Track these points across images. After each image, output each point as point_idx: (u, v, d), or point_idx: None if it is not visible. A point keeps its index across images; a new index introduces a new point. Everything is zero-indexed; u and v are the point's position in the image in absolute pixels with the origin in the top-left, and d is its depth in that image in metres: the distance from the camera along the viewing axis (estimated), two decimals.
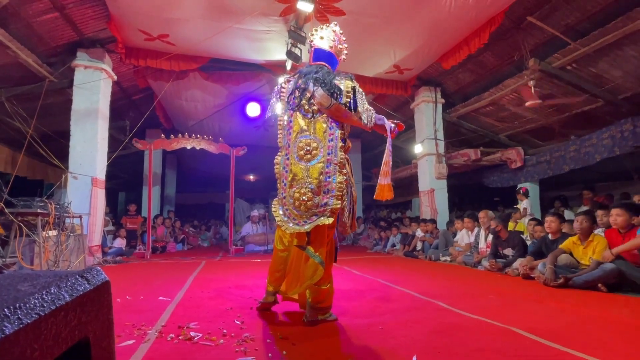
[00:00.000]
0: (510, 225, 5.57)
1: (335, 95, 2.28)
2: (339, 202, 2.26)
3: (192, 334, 1.99)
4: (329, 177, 2.26)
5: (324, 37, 2.52)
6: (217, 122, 9.47)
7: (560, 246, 3.73)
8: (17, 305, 0.57)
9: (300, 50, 5.50)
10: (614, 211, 3.37)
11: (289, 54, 5.49)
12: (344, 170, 2.34)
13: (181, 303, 2.84)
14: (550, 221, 4.03)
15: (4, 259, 4.02)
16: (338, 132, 2.33)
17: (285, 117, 2.45)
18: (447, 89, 7.81)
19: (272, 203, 2.50)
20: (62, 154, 5.82)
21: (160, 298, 3.01)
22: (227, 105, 8.55)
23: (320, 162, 2.29)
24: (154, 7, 4.95)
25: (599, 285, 3.18)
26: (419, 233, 7.01)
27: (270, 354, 1.71)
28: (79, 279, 0.72)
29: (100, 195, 5.80)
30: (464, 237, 5.88)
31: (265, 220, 9.10)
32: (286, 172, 2.37)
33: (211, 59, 6.43)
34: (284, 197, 2.37)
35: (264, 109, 8.20)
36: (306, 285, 2.25)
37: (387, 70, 6.88)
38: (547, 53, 5.46)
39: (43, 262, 4.15)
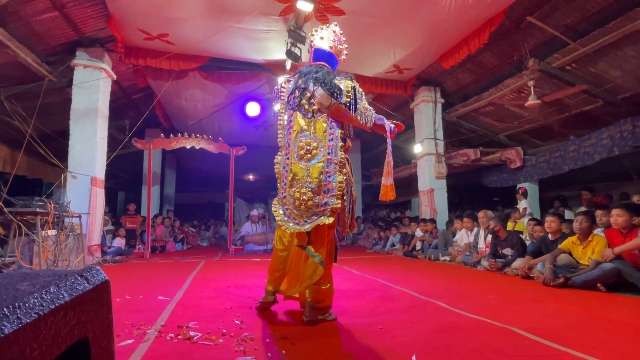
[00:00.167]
0: (510, 225, 5.58)
1: (335, 95, 2.29)
2: (339, 201, 2.26)
3: (191, 333, 1.99)
4: (329, 176, 2.26)
5: (324, 37, 2.52)
6: (216, 121, 9.47)
7: (560, 246, 3.73)
8: (17, 304, 0.57)
9: (300, 49, 5.50)
10: (615, 212, 3.37)
11: (289, 53, 5.49)
12: (344, 170, 2.34)
13: (180, 302, 2.84)
14: (550, 221, 4.04)
15: (3, 259, 4.01)
16: (338, 132, 2.33)
17: (285, 117, 2.45)
18: (447, 89, 7.81)
19: (272, 203, 2.50)
20: (62, 153, 5.82)
21: (160, 297, 3.01)
22: (227, 105, 8.55)
23: (320, 162, 2.29)
24: (154, 6, 4.94)
25: (598, 285, 3.18)
26: (419, 233, 7.01)
27: (269, 354, 1.71)
28: (79, 278, 0.72)
29: (100, 194, 5.79)
30: (463, 237, 5.89)
31: (264, 219, 9.10)
32: (286, 171, 2.37)
33: (211, 59, 6.42)
34: (284, 197, 2.37)
35: (263, 109, 8.21)
36: (306, 285, 2.25)
37: (387, 70, 6.88)
38: (547, 53, 5.47)
39: (42, 262, 4.14)
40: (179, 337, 1.95)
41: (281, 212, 2.38)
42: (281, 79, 3.26)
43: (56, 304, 0.62)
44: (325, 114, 2.35)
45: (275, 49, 6.04)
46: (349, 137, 2.51)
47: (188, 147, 7.38)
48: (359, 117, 2.36)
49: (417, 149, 7.82)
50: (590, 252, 3.48)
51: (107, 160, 6.04)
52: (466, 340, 1.89)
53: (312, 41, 2.57)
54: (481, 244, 5.20)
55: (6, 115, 5.87)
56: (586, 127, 6.53)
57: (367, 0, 4.82)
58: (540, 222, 4.80)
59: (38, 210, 4.20)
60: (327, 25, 2.60)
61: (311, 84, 2.34)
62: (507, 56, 6.08)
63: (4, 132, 6.55)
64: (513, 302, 2.89)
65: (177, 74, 6.77)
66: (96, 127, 5.75)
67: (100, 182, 5.80)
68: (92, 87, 5.73)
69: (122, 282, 3.87)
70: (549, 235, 4.07)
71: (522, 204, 6.55)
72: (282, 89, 2.52)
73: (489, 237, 4.96)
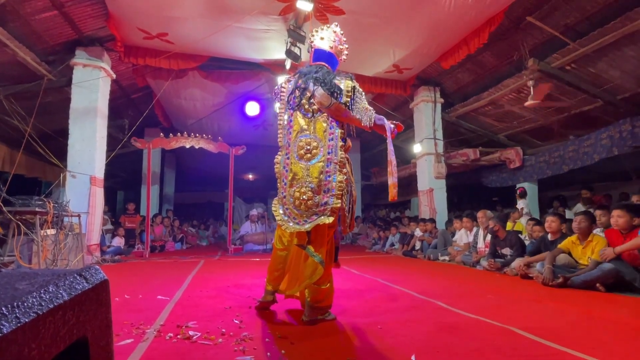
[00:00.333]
0: (509, 225, 5.58)
1: (335, 94, 2.29)
2: (339, 201, 2.26)
3: (190, 333, 1.99)
4: (329, 176, 2.27)
5: (324, 37, 2.53)
6: (216, 121, 9.46)
7: (559, 246, 3.73)
8: (15, 304, 0.57)
9: (300, 49, 5.50)
10: (615, 212, 3.37)
11: (289, 53, 5.49)
12: (344, 170, 2.34)
13: (180, 302, 2.84)
14: (551, 221, 4.03)
15: (2, 258, 4.01)
16: (338, 132, 2.33)
17: (286, 117, 2.45)
18: (447, 89, 7.81)
19: (272, 202, 2.50)
20: (61, 152, 5.81)
21: (159, 297, 3.00)
22: (226, 104, 8.54)
23: (320, 162, 2.29)
24: (153, 5, 4.94)
25: (597, 285, 3.19)
26: (418, 232, 7.02)
27: (269, 353, 1.71)
28: (78, 277, 0.71)
29: (99, 194, 5.79)
30: (462, 236, 5.89)
31: (264, 219, 9.10)
32: (286, 171, 2.37)
33: (210, 58, 6.41)
34: (284, 197, 2.37)
35: (263, 108, 8.20)
36: (305, 285, 2.25)
37: (387, 69, 6.88)
38: (547, 53, 5.47)
39: (41, 261, 4.14)
40: (178, 336, 1.95)
41: (281, 211, 2.38)
42: (281, 79, 3.26)
43: (55, 304, 0.62)
44: (325, 114, 2.35)
45: (274, 49, 6.03)
46: (349, 136, 2.51)
47: (187, 146, 7.37)
48: (359, 116, 2.36)
49: (417, 148, 7.82)
50: (590, 252, 3.48)
51: (107, 159, 6.03)
52: (465, 339, 1.89)
53: (312, 42, 2.58)
54: (480, 244, 5.21)
55: (5, 114, 5.85)
56: (585, 127, 6.54)
57: (367, 0, 4.82)
58: (539, 222, 4.80)
59: (37, 209, 4.20)
60: (328, 25, 2.60)
61: (311, 84, 2.34)
62: (506, 56, 6.08)
63: (3, 132, 6.54)
64: (512, 302, 2.89)
65: (177, 73, 6.76)
66: (95, 126, 5.74)
67: (99, 182, 5.79)
68: (91, 86, 5.72)
69: (121, 282, 3.86)
70: (549, 235, 4.07)
71: (519, 204, 6.56)
72: (282, 89, 2.53)
73: (488, 237, 4.96)
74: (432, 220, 7.03)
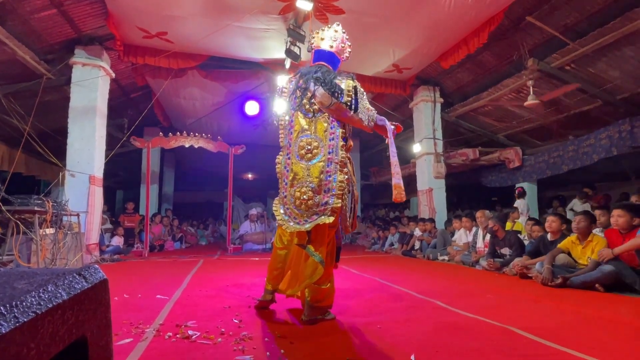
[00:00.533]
0: (508, 225, 5.58)
1: (336, 94, 2.28)
2: (340, 201, 2.26)
3: (190, 332, 1.99)
4: (330, 176, 2.26)
5: (325, 37, 2.53)
6: (215, 120, 9.45)
7: (559, 245, 3.73)
8: (14, 303, 0.56)
9: (299, 48, 5.49)
10: (615, 212, 3.36)
11: (288, 52, 5.48)
12: (345, 170, 2.33)
13: (179, 301, 2.83)
14: (551, 221, 4.03)
15: (0, 257, 4.00)
16: (339, 131, 2.33)
17: (287, 117, 2.46)
18: (446, 89, 7.82)
19: (273, 202, 2.51)
20: (60, 151, 5.80)
21: (158, 296, 3.00)
22: (226, 104, 8.53)
23: (320, 161, 2.29)
24: (153, 4, 4.93)
25: (596, 285, 3.19)
26: (417, 232, 7.02)
27: (268, 353, 1.70)
28: (77, 277, 0.71)
29: (98, 193, 5.78)
30: (462, 236, 5.89)
31: (263, 218, 9.10)
32: (287, 171, 2.38)
33: (210, 57, 6.41)
34: (285, 197, 2.38)
35: (262, 108, 8.19)
36: (305, 284, 2.25)
37: (386, 69, 6.88)
38: (546, 53, 5.47)
39: (40, 260, 4.13)
40: (178, 336, 1.95)
41: (282, 211, 2.39)
42: (281, 79, 3.27)
43: (54, 303, 0.62)
44: (326, 114, 2.35)
45: (274, 48, 6.03)
46: (350, 136, 2.51)
47: (187, 145, 7.37)
48: (360, 116, 2.36)
49: (416, 148, 7.82)
50: (590, 252, 3.48)
51: (106, 158, 6.02)
52: (465, 339, 1.89)
53: (312, 43, 2.58)
54: (479, 244, 5.21)
55: (4, 113, 5.84)
56: (585, 128, 6.55)
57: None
58: (538, 222, 4.80)
59: (36, 208, 4.19)
60: (329, 25, 2.59)
61: (312, 84, 2.34)
62: (506, 56, 6.09)
63: (2, 130, 6.52)
64: (511, 301, 2.89)
65: (176, 72, 6.75)
66: (95, 125, 5.73)
67: (98, 181, 5.78)
68: (90, 85, 5.70)
69: (121, 281, 3.86)
70: (548, 235, 4.07)
71: (516, 204, 6.56)
72: (284, 90, 2.54)
73: (487, 236, 4.96)
74: (432, 220, 7.03)
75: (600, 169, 7.13)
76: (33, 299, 0.59)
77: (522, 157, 7.81)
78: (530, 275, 3.83)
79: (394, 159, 2.51)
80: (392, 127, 2.52)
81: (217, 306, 2.67)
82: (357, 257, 6.68)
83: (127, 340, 1.88)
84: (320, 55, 2.52)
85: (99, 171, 5.81)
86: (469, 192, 11.11)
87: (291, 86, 2.50)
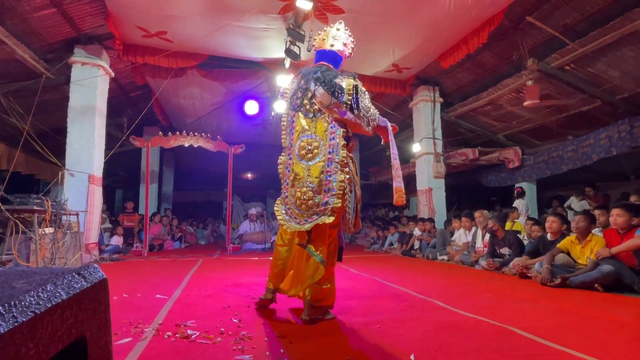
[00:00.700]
0: (508, 225, 5.58)
1: (336, 94, 2.28)
2: (340, 200, 2.25)
3: (189, 332, 1.98)
4: (330, 175, 2.26)
5: (326, 37, 2.53)
6: (215, 119, 9.44)
7: (558, 245, 3.74)
8: (12, 303, 0.56)
9: (299, 48, 5.49)
10: (615, 211, 3.36)
11: (288, 51, 5.48)
12: (346, 169, 2.32)
13: (178, 301, 2.83)
14: (552, 221, 4.02)
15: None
16: (340, 131, 2.33)
17: (288, 118, 2.48)
18: (446, 88, 7.81)
19: (275, 203, 2.53)
20: (59, 151, 5.78)
21: (158, 296, 2.99)
22: (225, 103, 8.53)
23: (321, 161, 2.29)
24: (152, 3, 4.92)
25: (596, 285, 3.19)
26: (417, 232, 7.02)
27: (267, 353, 1.70)
28: (76, 276, 0.70)
29: (97, 192, 5.77)
30: (461, 236, 5.89)
31: (262, 218, 9.09)
32: (288, 171, 2.40)
33: (209, 57, 6.40)
34: (286, 197, 2.39)
35: (262, 107, 8.19)
36: (307, 285, 2.25)
37: (386, 69, 6.88)
38: (546, 53, 5.48)
39: (39, 260, 4.12)
40: (177, 335, 1.94)
41: (283, 211, 2.40)
42: (285, 81, 3.28)
43: (53, 303, 0.61)
44: (326, 114, 2.35)
45: (274, 47, 6.02)
46: (352, 136, 2.50)
47: (186, 145, 7.36)
48: (361, 119, 2.34)
49: (416, 148, 7.82)
50: (589, 251, 3.48)
51: (105, 158, 6.01)
52: (464, 339, 1.89)
53: (314, 45, 2.59)
54: (479, 244, 5.21)
55: (3, 112, 5.83)
56: (584, 128, 6.55)
57: None
58: (538, 222, 4.80)
59: (35, 207, 4.18)
60: (331, 25, 2.58)
61: (312, 84, 2.34)
62: (506, 56, 6.09)
63: (1, 130, 6.51)
64: (511, 301, 2.89)
65: (176, 71, 6.74)
66: (94, 124, 5.72)
67: (97, 180, 5.77)
68: (89, 85, 5.69)
69: (120, 281, 3.85)
70: (548, 235, 4.07)
71: (515, 204, 6.56)
72: (286, 91, 2.55)
73: (487, 236, 4.96)
74: (431, 220, 7.03)
75: (599, 169, 7.13)
76: (32, 299, 0.59)
77: (521, 157, 7.82)
78: (529, 275, 3.83)
79: (395, 162, 2.51)
80: (391, 127, 2.51)
81: (216, 306, 2.67)
82: (357, 257, 6.68)
83: (126, 340, 1.87)
84: (321, 55, 2.52)
85: (98, 170, 5.80)
86: (469, 192, 11.11)
87: (293, 87, 2.51)
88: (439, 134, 7.66)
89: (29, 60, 5.23)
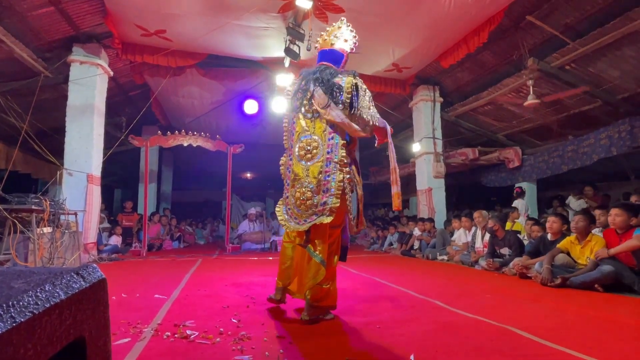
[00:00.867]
0: (508, 225, 5.59)
1: (335, 93, 2.28)
2: (338, 200, 2.24)
3: (188, 332, 1.98)
4: (329, 175, 2.26)
5: (327, 37, 2.54)
6: (214, 119, 9.42)
7: (558, 245, 3.73)
8: (10, 303, 0.55)
9: (299, 47, 5.48)
10: (613, 211, 3.37)
11: (287, 51, 5.47)
12: (346, 169, 2.31)
13: (177, 301, 2.82)
14: (552, 221, 4.02)
15: None
16: (340, 130, 2.32)
17: (289, 119, 2.49)
18: (446, 88, 7.81)
19: (277, 203, 2.54)
20: (58, 150, 5.77)
21: (156, 296, 2.99)
22: (225, 102, 8.51)
23: (319, 161, 2.29)
24: (151, 2, 4.90)
25: (596, 285, 3.19)
26: (417, 232, 7.02)
27: (267, 353, 1.69)
28: (75, 276, 0.70)
29: (96, 192, 5.75)
30: (461, 236, 5.89)
31: (262, 218, 9.08)
32: (289, 172, 2.41)
33: (209, 56, 6.38)
34: (287, 197, 2.41)
35: (261, 106, 8.18)
36: (309, 286, 2.25)
37: (386, 68, 6.87)
38: (546, 53, 5.47)
39: (37, 259, 4.11)
40: (176, 335, 1.93)
41: (284, 211, 2.42)
42: (287, 81, 3.28)
43: (51, 303, 0.60)
44: None
45: (273, 46, 6.01)
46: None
47: (185, 144, 7.35)
48: (359, 114, 2.32)
49: (416, 147, 7.82)
50: (589, 251, 3.48)
51: (104, 157, 5.99)
52: (464, 339, 1.89)
53: (316, 46, 2.60)
54: (478, 244, 5.21)
55: (1, 111, 5.81)
56: (585, 127, 6.55)
57: None
58: (538, 222, 4.80)
59: (33, 207, 4.16)
60: (333, 25, 2.58)
61: (312, 85, 2.36)
62: (506, 55, 6.08)
63: None
64: (511, 301, 2.89)
65: (175, 70, 6.73)
66: (92, 123, 5.70)
67: (96, 180, 5.75)
68: (88, 84, 5.67)
69: (119, 281, 3.84)
70: (548, 235, 4.06)
71: (515, 204, 6.56)
72: (288, 92, 2.56)
73: (486, 237, 4.96)
74: (431, 220, 7.03)
75: (599, 169, 7.14)
76: (30, 299, 0.58)
77: (521, 157, 7.82)
78: (529, 275, 3.83)
79: (394, 164, 2.48)
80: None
81: (215, 306, 2.66)
82: (357, 257, 6.67)
83: (125, 340, 1.86)
84: (323, 55, 2.53)
85: (96, 170, 5.78)
86: (469, 192, 11.11)
87: (294, 88, 2.52)
88: (439, 133, 7.65)
89: (27, 59, 5.21)
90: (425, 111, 7.65)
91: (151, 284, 3.63)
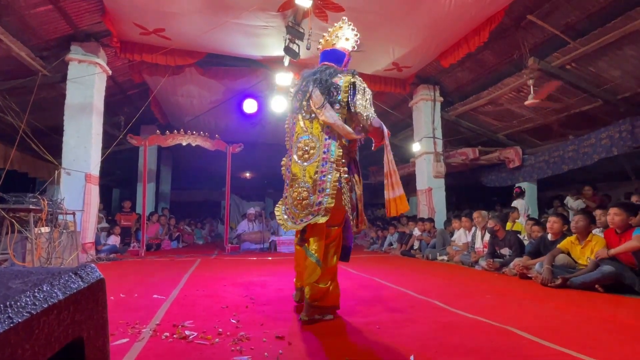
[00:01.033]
0: (508, 225, 5.59)
1: (332, 93, 2.28)
2: (333, 200, 2.24)
3: (187, 332, 1.97)
4: (324, 175, 2.27)
5: (329, 38, 2.55)
6: (213, 118, 9.41)
7: (558, 246, 3.73)
8: (8, 303, 0.55)
9: (298, 46, 5.47)
10: (612, 210, 3.36)
11: (287, 50, 5.46)
12: (343, 169, 2.31)
13: (176, 301, 2.82)
14: (553, 222, 4.01)
15: None
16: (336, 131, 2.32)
17: (290, 120, 2.51)
18: (446, 87, 7.81)
19: (277, 203, 2.56)
20: (56, 149, 5.74)
21: (155, 296, 2.98)
22: (224, 102, 8.51)
23: (316, 161, 2.30)
24: (150, 0, 4.89)
25: (596, 286, 3.19)
26: (417, 232, 7.01)
27: (266, 354, 1.68)
28: (73, 276, 0.69)
29: (94, 191, 5.73)
30: (461, 236, 5.88)
31: (261, 218, 9.07)
32: (289, 173, 2.43)
33: (208, 54, 6.37)
34: (286, 197, 2.43)
35: (260, 106, 8.17)
36: (306, 284, 2.26)
37: (386, 67, 6.87)
38: (547, 52, 5.47)
39: (35, 259, 4.09)
40: (175, 336, 1.93)
41: (283, 211, 2.44)
42: (287, 80, 3.28)
43: (49, 303, 0.60)
44: None
45: (273, 45, 6.00)
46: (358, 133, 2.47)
47: (184, 144, 7.33)
48: (356, 113, 2.30)
49: (416, 147, 7.82)
50: (589, 252, 3.47)
51: (102, 156, 5.97)
52: (464, 339, 1.88)
53: (318, 47, 2.62)
54: (478, 244, 5.21)
55: None
56: (585, 127, 6.56)
57: None
58: (538, 222, 4.80)
59: (31, 207, 4.14)
60: (334, 25, 2.58)
61: (311, 86, 2.37)
62: (506, 55, 6.08)
63: None
64: (511, 302, 2.88)
65: (174, 69, 6.71)
66: (91, 123, 5.68)
67: (94, 179, 5.73)
68: (86, 83, 5.65)
69: (117, 281, 3.83)
70: (549, 235, 4.06)
71: (514, 204, 6.57)
72: (290, 93, 2.59)
73: (486, 237, 4.96)
74: (431, 220, 7.03)
75: (600, 169, 7.14)
76: (28, 299, 0.58)
77: (522, 157, 7.82)
78: (530, 275, 3.83)
79: (392, 167, 2.44)
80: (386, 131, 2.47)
81: (214, 306, 2.65)
82: (356, 257, 6.67)
83: (124, 341, 1.86)
84: (324, 55, 2.54)
85: (95, 169, 5.76)
86: (469, 192, 11.12)
87: (295, 90, 2.55)
88: (439, 133, 7.65)
89: (25, 58, 5.19)
90: (426, 111, 7.64)
91: (150, 284, 3.62)
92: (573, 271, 3.45)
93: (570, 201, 6.31)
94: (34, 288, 0.61)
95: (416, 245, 6.86)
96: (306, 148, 2.33)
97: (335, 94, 2.28)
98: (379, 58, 6.51)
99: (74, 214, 5.06)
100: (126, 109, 8.28)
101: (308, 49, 5.32)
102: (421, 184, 7.75)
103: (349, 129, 2.29)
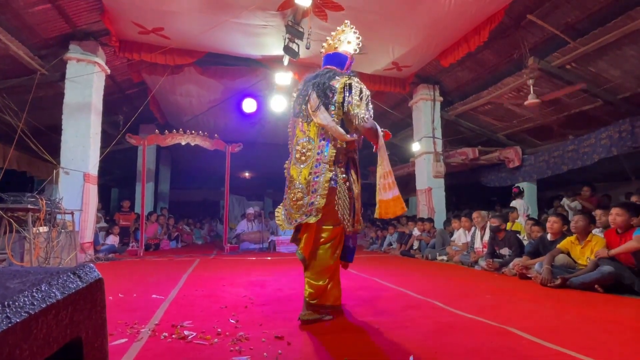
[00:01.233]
0: (507, 225, 5.58)
1: (328, 96, 2.30)
2: (324, 200, 2.26)
3: (185, 332, 1.97)
4: (318, 176, 2.29)
5: (332, 42, 2.57)
6: (212, 117, 9.40)
7: (558, 246, 3.73)
8: (6, 303, 0.55)
9: (298, 45, 5.47)
10: (614, 210, 3.36)
11: (287, 49, 5.45)
12: (340, 169, 2.35)
13: (175, 301, 2.81)
14: (553, 222, 4.01)
15: None
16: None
17: (292, 124, 2.55)
18: (446, 87, 7.81)
19: (278, 206, 2.62)
20: (54, 148, 5.73)
21: (154, 296, 2.97)
22: (223, 101, 8.50)
23: (310, 163, 2.33)
24: None
25: (596, 286, 3.19)
26: (416, 232, 7.01)
27: (265, 354, 1.68)
28: (71, 276, 0.68)
29: (93, 191, 5.72)
30: (461, 236, 5.88)
31: (260, 218, 9.06)
32: (288, 175, 2.47)
33: (207, 54, 6.36)
34: (285, 199, 2.48)
35: (260, 105, 8.17)
36: (305, 281, 2.31)
37: (386, 67, 6.87)
38: (547, 52, 5.48)
39: (33, 259, 4.07)
40: (173, 336, 1.93)
41: (282, 212, 2.51)
42: (287, 80, 3.28)
43: (47, 303, 0.60)
44: None
45: (272, 45, 6.00)
46: (352, 134, 2.46)
47: (183, 143, 7.31)
48: (352, 112, 2.28)
49: (416, 147, 7.82)
50: (589, 252, 3.47)
51: (101, 156, 5.96)
52: (463, 340, 1.89)
53: (321, 51, 2.64)
54: (477, 244, 5.21)
55: None
56: (585, 127, 6.56)
57: None
58: (538, 222, 4.80)
59: (29, 206, 4.12)
60: (337, 28, 2.59)
61: (310, 89, 2.40)
62: (506, 54, 6.08)
63: None
64: (510, 302, 2.88)
65: (173, 69, 6.70)
66: (89, 122, 5.66)
67: (93, 179, 5.72)
68: (85, 82, 5.63)
69: (116, 280, 3.83)
70: (548, 235, 4.06)
71: (513, 204, 6.57)
72: (293, 97, 2.62)
73: (485, 237, 4.96)
74: (431, 220, 7.03)
75: (600, 169, 7.14)
76: (26, 299, 0.58)
77: (522, 157, 7.82)
78: (529, 275, 3.83)
79: (387, 168, 2.41)
80: (382, 133, 2.46)
81: (213, 306, 2.65)
82: (356, 257, 6.62)
83: (122, 341, 1.85)
84: (327, 59, 2.57)
85: (93, 169, 5.75)
86: (469, 192, 11.13)
87: (297, 93, 2.57)
88: (438, 133, 7.65)
89: (23, 57, 5.17)
90: (425, 110, 7.64)
91: (148, 284, 3.62)
92: (573, 271, 3.45)
93: (566, 202, 6.31)
94: (32, 288, 0.60)
95: (416, 245, 6.86)
96: (303, 150, 2.37)
97: (331, 96, 2.30)
98: (378, 57, 6.51)
99: (72, 213, 5.04)
100: (125, 108, 8.26)
101: (307, 48, 5.32)
102: (421, 183, 7.75)
103: (341, 130, 2.29)
